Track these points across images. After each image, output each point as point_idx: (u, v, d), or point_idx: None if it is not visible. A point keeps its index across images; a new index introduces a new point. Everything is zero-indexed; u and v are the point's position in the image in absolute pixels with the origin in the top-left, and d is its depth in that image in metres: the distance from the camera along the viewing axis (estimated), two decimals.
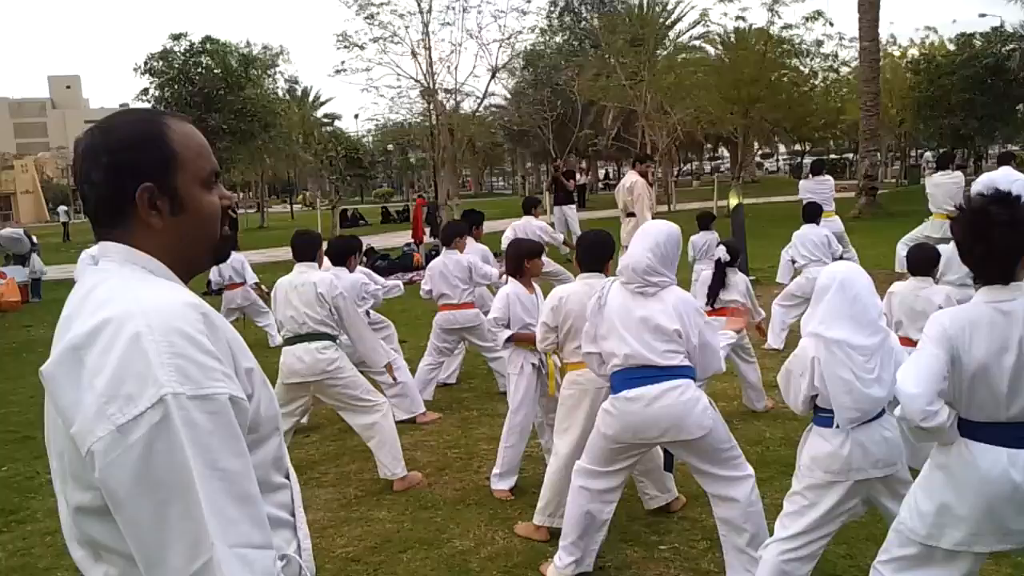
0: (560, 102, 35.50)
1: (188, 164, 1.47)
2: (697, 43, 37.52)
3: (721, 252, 6.29)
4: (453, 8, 17.74)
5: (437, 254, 16.97)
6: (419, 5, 17.35)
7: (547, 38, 42.22)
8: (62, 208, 42.91)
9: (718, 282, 6.21)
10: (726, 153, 56.21)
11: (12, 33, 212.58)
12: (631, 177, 11.32)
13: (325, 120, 51.09)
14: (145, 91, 15.33)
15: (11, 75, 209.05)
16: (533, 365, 5.03)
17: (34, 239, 15.85)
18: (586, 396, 4.21)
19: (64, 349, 1.29)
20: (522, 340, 5.05)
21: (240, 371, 1.38)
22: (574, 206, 18.37)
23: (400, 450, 5.23)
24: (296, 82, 31.75)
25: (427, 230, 18.88)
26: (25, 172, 64.69)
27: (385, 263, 16.69)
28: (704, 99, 24.91)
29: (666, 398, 3.60)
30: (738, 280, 6.30)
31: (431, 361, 7.09)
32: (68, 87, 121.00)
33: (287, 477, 1.55)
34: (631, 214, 10.82)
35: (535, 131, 34.84)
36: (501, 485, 5.03)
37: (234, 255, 9.73)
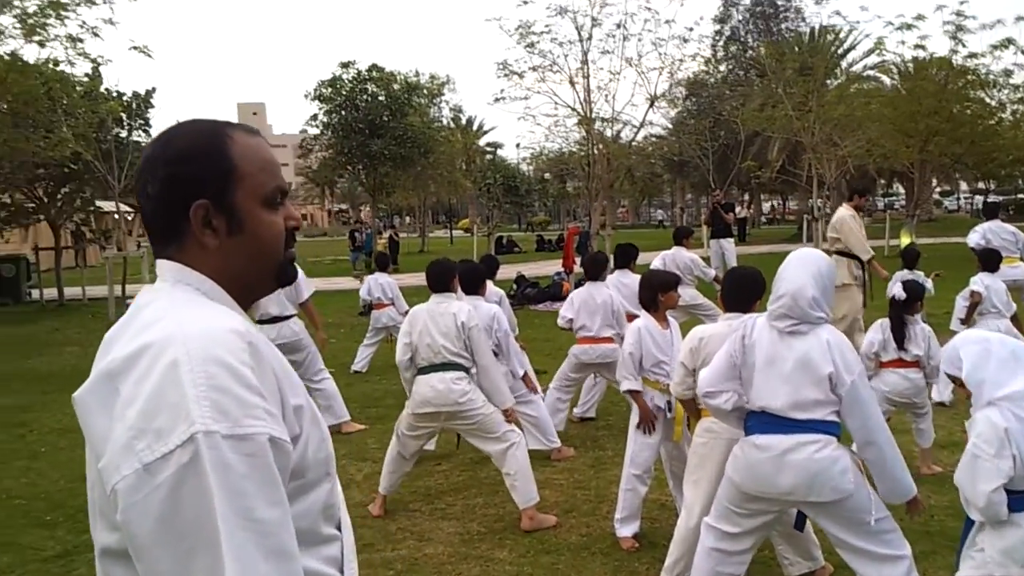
0: (723, 132, 34.75)
1: (248, 180, 1.35)
2: (872, 72, 35.88)
3: (897, 290, 5.65)
4: (613, 36, 17.62)
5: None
6: (579, 33, 17.36)
7: (711, 67, 41.58)
8: None
9: (899, 325, 5.61)
10: (901, 189, 53.23)
11: (205, 62, 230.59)
12: (840, 212, 10.26)
13: (488, 148, 52.19)
14: (314, 117, 16.06)
15: (204, 102, 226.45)
16: (659, 407, 4.75)
17: None
18: (720, 446, 3.88)
19: (99, 374, 1.20)
20: (648, 386, 4.81)
21: (287, 408, 1.24)
22: (732, 240, 17.75)
23: (533, 478, 5.06)
24: (460, 111, 32.49)
25: (578, 259, 18.73)
26: None
27: (534, 291, 16.68)
28: (877, 131, 23.59)
29: (799, 452, 3.24)
30: (919, 331, 5.63)
31: (560, 394, 6.90)
32: (255, 113, 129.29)
33: (339, 528, 1.39)
34: (839, 252, 9.21)
35: (695, 162, 34.23)
36: (624, 531, 4.74)
37: (385, 278, 10.00)
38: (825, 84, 27.02)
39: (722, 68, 42.23)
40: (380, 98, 15.72)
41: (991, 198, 47.56)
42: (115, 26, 12.32)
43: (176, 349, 1.15)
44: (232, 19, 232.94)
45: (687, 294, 9.04)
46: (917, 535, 3.57)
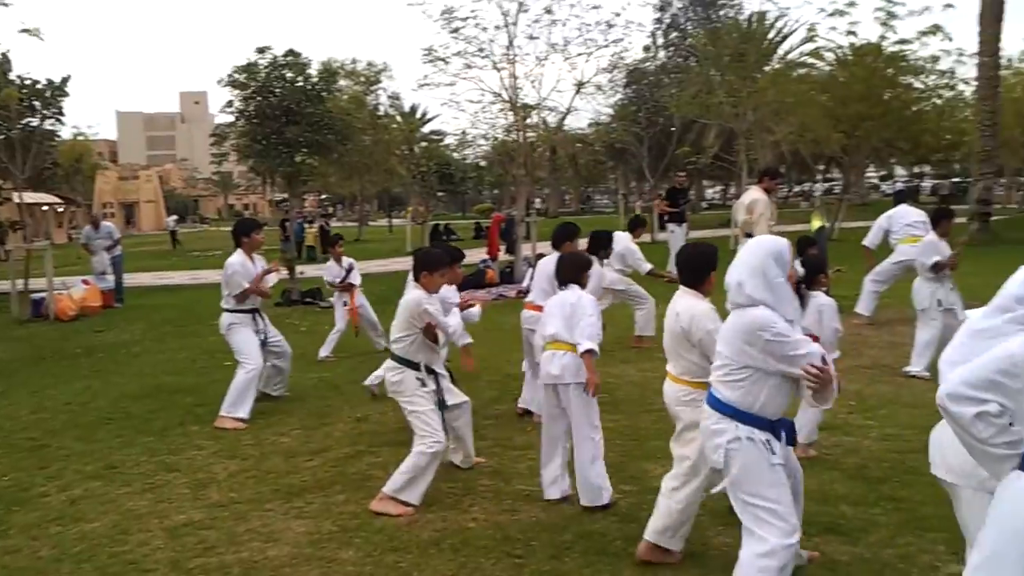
0: (662, 120, 34.72)
1: None
2: (807, 59, 36.19)
3: (796, 266, 5.67)
4: (539, 21, 17.38)
5: (511, 271, 16.72)
6: (505, 19, 17.09)
7: (652, 53, 41.57)
8: (171, 218, 45.12)
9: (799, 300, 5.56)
10: (840, 174, 53.98)
11: (149, 52, 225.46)
12: (752, 193, 10.26)
13: (435, 137, 51.66)
14: (230, 103, 15.59)
15: (147, 91, 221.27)
16: None
17: (118, 247, 16.26)
18: None
19: None
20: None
21: None
22: (679, 225, 17.52)
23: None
24: (398, 98, 31.91)
25: (503, 246, 18.56)
26: (149, 183, 67.95)
27: None
28: (808, 116, 23.70)
29: None
30: (812, 304, 5.58)
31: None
32: (196, 102, 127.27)
33: None
34: (749, 235, 9.10)
35: (633, 149, 34.15)
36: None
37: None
38: (761, 71, 27.13)
39: (662, 55, 42.31)
40: (297, 84, 15.32)
41: (903, 182, 49.20)
42: (7, 7, 11.72)
43: None
44: (177, 8, 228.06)
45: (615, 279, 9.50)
46: None
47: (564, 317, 4.99)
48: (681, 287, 4.20)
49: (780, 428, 3.48)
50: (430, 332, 5.21)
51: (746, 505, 3.38)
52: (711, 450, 3.49)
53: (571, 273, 5.23)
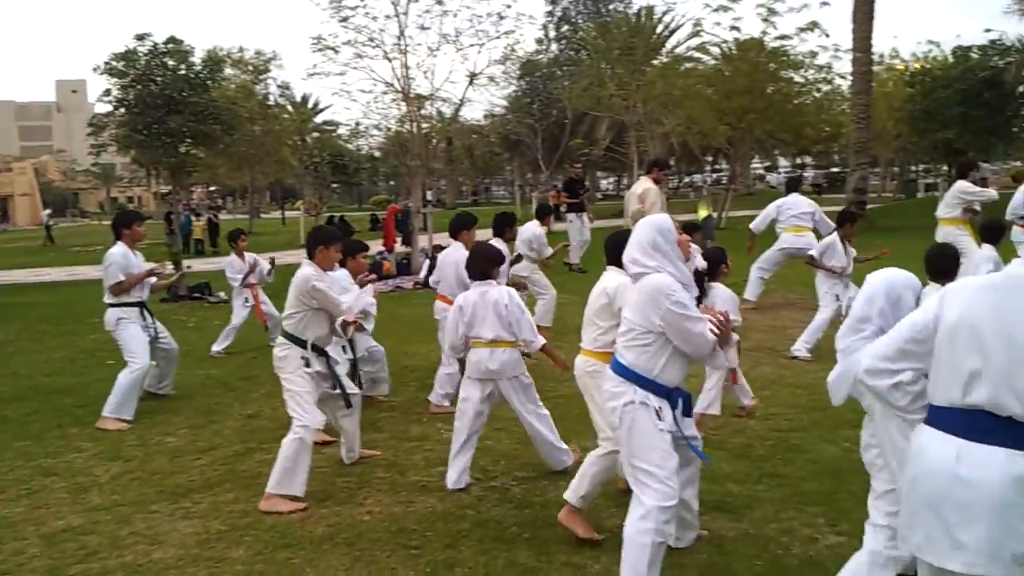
0: (555, 112, 35.08)
1: None
2: (694, 54, 37.18)
3: (698, 261, 5.95)
4: (430, 11, 17.25)
5: (408, 263, 16.56)
6: (395, 8, 16.89)
7: (544, 47, 41.95)
8: (45, 212, 43.01)
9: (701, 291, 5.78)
10: (728, 166, 55.74)
11: (21, 37, 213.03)
12: (643, 183, 10.45)
13: (327, 127, 50.77)
14: (107, 92, 14.92)
15: (18, 78, 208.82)
16: None
17: None
18: None
19: None
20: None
21: None
22: (579, 215, 17.53)
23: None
24: (288, 87, 31.20)
25: (399, 238, 18.40)
26: (23, 175, 64.51)
27: None
28: (695, 109, 24.35)
29: None
30: (715, 295, 5.89)
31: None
32: (75, 91, 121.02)
33: None
34: None
35: (528, 140, 34.44)
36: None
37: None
38: (650, 64, 27.69)
39: (554, 48, 42.73)
40: (180, 72, 14.78)
41: (784, 173, 51.24)
42: None
43: None
44: None
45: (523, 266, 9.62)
46: None
47: (499, 316, 5.07)
48: (609, 267, 4.60)
49: (676, 397, 3.66)
50: (344, 326, 5.19)
51: (631, 467, 3.58)
52: (609, 412, 3.69)
53: (483, 266, 5.28)
